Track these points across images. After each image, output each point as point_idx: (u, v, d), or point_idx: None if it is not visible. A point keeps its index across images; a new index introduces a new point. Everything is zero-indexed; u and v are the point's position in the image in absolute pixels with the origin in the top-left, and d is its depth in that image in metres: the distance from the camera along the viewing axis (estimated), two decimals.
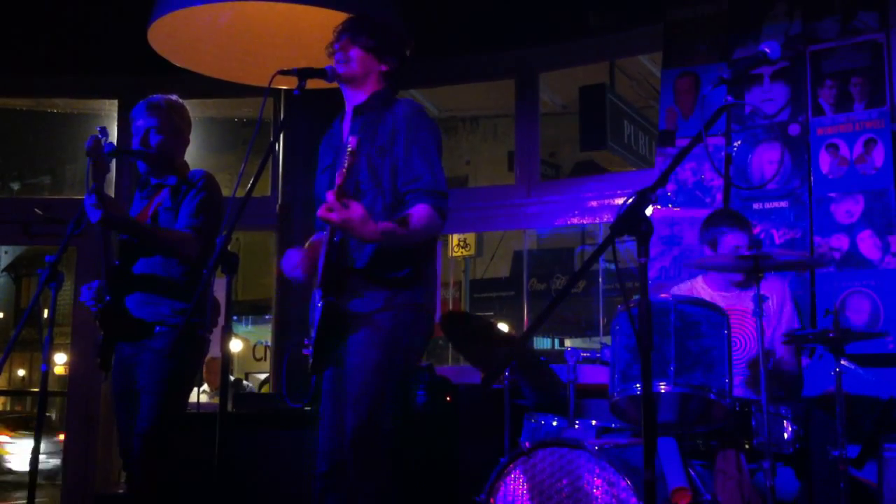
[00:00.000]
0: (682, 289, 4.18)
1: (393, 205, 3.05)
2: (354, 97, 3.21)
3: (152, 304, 3.65)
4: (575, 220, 6.16)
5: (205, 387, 7.04)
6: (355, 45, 3.15)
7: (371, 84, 3.20)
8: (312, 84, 3.04)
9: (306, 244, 3.26)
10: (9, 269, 23.85)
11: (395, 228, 2.91)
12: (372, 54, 3.18)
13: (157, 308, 3.65)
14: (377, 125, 3.12)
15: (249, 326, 15.21)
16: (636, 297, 2.28)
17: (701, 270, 4.19)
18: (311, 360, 3.00)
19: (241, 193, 2.78)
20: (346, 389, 2.99)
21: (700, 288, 4.11)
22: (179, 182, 3.75)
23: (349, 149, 2.75)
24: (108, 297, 3.60)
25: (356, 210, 2.80)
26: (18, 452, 14.17)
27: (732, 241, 3.96)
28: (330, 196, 2.79)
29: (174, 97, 3.89)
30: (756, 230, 4.84)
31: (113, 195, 6.56)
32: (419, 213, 2.98)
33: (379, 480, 2.96)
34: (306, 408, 4.45)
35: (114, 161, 3.74)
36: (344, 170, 2.76)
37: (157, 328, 3.62)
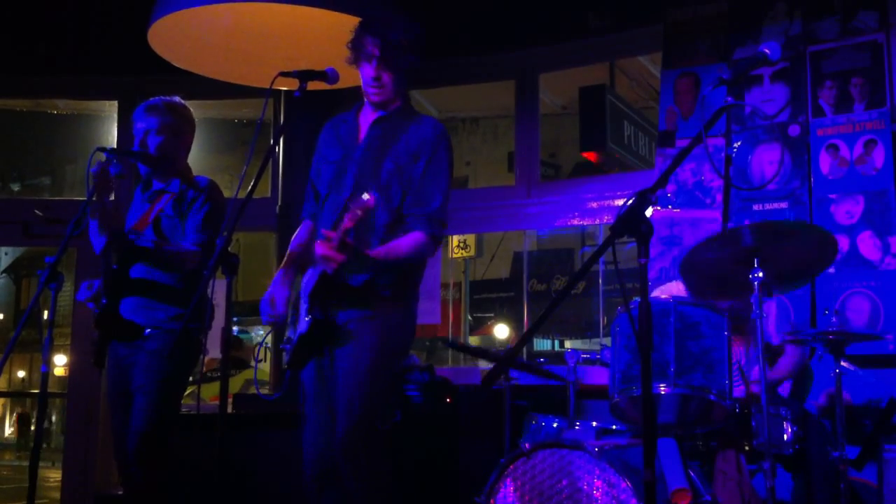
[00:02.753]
0: (664, 289, 4.17)
1: (392, 219, 3.08)
2: (381, 109, 3.22)
3: (149, 309, 3.65)
4: (575, 221, 6.16)
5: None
6: (388, 70, 3.14)
7: (399, 98, 3.23)
8: (313, 86, 3.04)
9: (283, 261, 3.26)
10: (9, 270, 23.87)
11: (387, 258, 2.99)
12: (403, 77, 3.20)
13: (154, 313, 3.65)
14: (399, 138, 3.13)
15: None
16: (636, 298, 2.28)
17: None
18: (288, 358, 3.01)
19: (241, 195, 2.79)
20: (339, 393, 3.00)
21: (679, 289, 4.10)
22: (184, 188, 3.74)
23: (367, 205, 2.79)
24: (104, 301, 3.60)
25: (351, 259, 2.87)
26: None
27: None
28: (331, 234, 2.84)
29: (176, 98, 3.88)
30: None
31: (112, 197, 6.57)
32: (414, 240, 3.04)
33: (377, 481, 2.96)
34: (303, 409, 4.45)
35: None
36: (354, 217, 2.80)
37: (149, 331, 3.62)
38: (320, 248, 2.86)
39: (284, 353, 3.06)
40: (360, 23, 3.21)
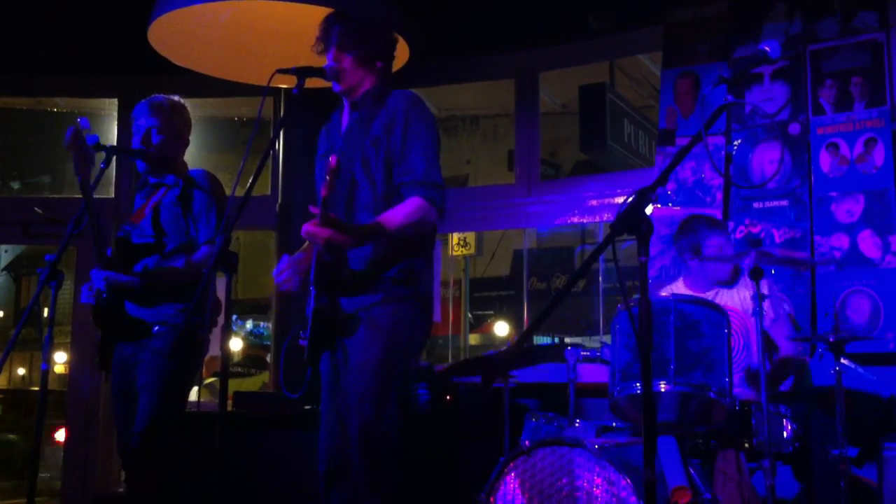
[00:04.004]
0: (668, 289, 4.18)
1: (386, 194, 3.06)
2: (352, 97, 3.22)
3: (155, 307, 3.65)
4: (575, 220, 6.16)
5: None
6: (346, 54, 3.14)
7: (367, 84, 3.20)
8: (311, 83, 3.04)
9: (302, 247, 3.25)
10: (9, 268, 23.86)
11: (382, 226, 2.93)
12: (364, 61, 3.17)
13: (159, 309, 3.64)
14: (372, 118, 3.13)
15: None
16: (636, 296, 2.28)
17: (682, 272, 4.20)
18: (306, 353, 3.00)
19: (240, 192, 2.78)
20: (349, 389, 2.98)
21: (681, 290, 4.10)
22: (184, 184, 3.72)
23: (330, 166, 2.80)
24: (105, 295, 3.59)
25: (340, 233, 2.84)
26: None
27: (715, 242, 3.98)
28: (315, 210, 2.83)
29: (176, 97, 3.88)
30: (756, 229, 4.85)
31: (112, 195, 6.58)
32: (409, 206, 2.99)
33: (385, 479, 2.95)
34: (305, 406, 4.45)
35: (114, 160, 3.73)
36: (326, 183, 2.80)
37: (157, 328, 3.62)
38: (306, 226, 2.84)
39: (305, 350, 3.04)
40: (325, 17, 3.22)
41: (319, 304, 2.95)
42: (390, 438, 2.98)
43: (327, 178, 2.83)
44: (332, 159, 2.82)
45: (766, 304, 3.83)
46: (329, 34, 3.16)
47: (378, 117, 3.12)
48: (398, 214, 2.98)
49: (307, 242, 3.21)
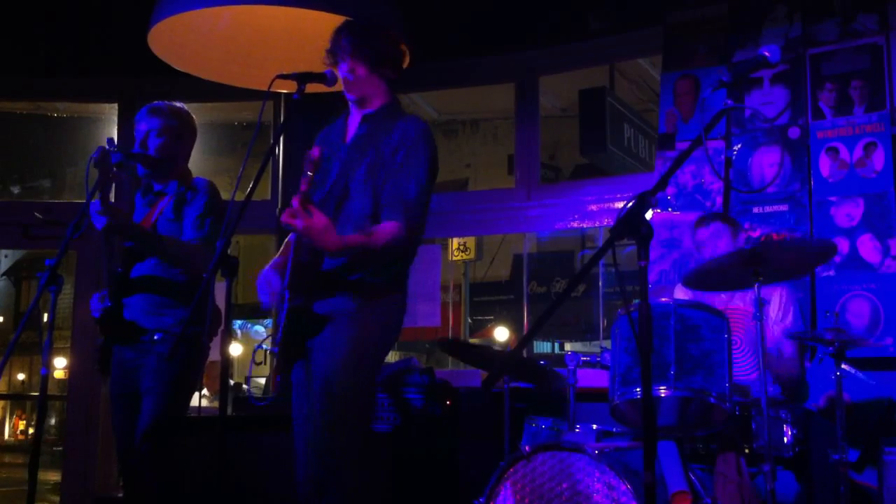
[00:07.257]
0: (673, 293, 4.18)
1: (374, 214, 3.07)
2: (364, 107, 3.22)
3: (156, 315, 3.65)
4: (575, 224, 6.16)
5: (204, 391, 7.03)
6: (361, 63, 3.15)
7: (379, 95, 3.21)
8: (312, 88, 3.04)
9: (280, 250, 3.25)
10: (9, 272, 23.85)
11: (360, 243, 2.95)
12: (378, 69, 3.18)
13: (161, 319, 3.65)
14: (383, 135, 3.12)
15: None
16: (636, 300, 2.28)
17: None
18: (277, 360, 2.99)
19: (240, 197, 2.79)
20: (315, 389, 2.98)
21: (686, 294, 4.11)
22: (183, 190, 3.74)
23: (312, 158, 2.80)
24: (108, 303, 3.60)
25: (319, 219, 2.84)
26: None
27: (704, 233, 4.00)
28: (294, 201, 2.83)
29: (180, 104, 3.90)
30: (756, 233, 4.84)
31: (112, 199, 6.57)
32: (387, 229, 3.00)
33: (354, 479, 2.95)
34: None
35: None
36: (308, 177, 2.80)
37: (158, 335, 3.63)
38: (284, 217, 2.84)
39: (276, 357, 3.04)
40: (336, 28, 3.23)
41: (293, 305, 2.95)
42: (358, 438, 2.97)
43: (309, 173, 2.82)
44: (314, 151, 2.82)
45: (767, 311, 3.84)
46: (341, 45, 3.16)
47: (389, 137, 3.11)
48: (377, 236, 2.98)
49: (283, 246, 3.20)
